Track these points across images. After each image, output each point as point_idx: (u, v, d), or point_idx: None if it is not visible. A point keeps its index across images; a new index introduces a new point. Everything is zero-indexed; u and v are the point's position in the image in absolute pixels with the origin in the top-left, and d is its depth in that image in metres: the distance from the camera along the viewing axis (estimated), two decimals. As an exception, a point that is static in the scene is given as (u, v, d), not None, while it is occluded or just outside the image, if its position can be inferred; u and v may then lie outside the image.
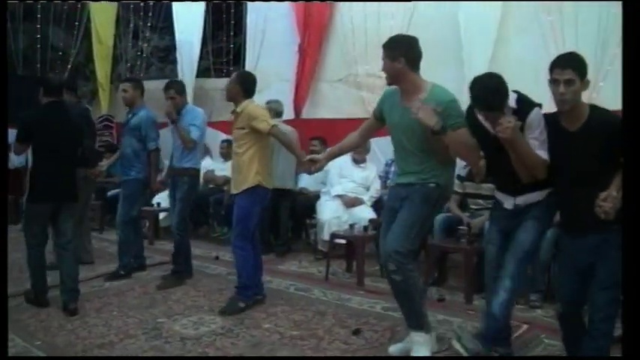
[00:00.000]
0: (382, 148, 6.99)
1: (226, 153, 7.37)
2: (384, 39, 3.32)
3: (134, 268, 5.25)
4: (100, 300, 4.51)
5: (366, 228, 5.24)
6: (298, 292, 4.73)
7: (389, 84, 3.31)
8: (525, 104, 2.85)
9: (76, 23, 10.19)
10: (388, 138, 3.39)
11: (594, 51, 5.19)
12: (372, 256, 5.46)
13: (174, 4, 9.19)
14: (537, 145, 2.79)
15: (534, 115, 2.79)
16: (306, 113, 8.13)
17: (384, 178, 6.47)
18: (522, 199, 2.97)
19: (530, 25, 5.96)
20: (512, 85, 2.92)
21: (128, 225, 5.19)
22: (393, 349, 3.43)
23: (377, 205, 6.12)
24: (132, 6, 10.04)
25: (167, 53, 10.32)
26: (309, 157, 3.76)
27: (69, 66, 10.20)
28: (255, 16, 8.53)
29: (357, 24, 7.46)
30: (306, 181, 6.42)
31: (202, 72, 9.33)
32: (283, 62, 8.16)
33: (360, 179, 6.12)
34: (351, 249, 5.44)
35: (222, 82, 9.30)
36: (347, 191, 5.99)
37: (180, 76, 9.09)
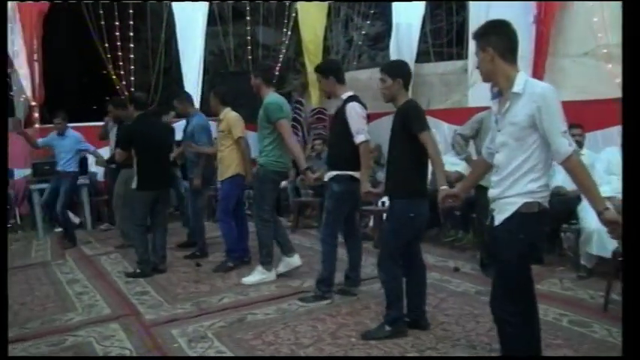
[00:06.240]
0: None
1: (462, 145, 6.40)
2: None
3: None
4: (332, 319, 3.85)
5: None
6: (573, 326, 3.62)
7: None
8: None
9: (285, 21, 10.13)
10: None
11: None
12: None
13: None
14: None
15: None
16: (545, 94, 6.90)
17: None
18: None
19: None
20: None
21: (197, 215, 6.01)
22: None
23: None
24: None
25: (378, 40, 9.71)
26: None
27: (279, 61, 10.10)
28: (479, -12, 7.45)
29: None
30: (562, 179, 5.22)
31: (418, 56, 8.48)
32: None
33: (636, 176, 4.72)
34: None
35: (442, 67, 8.43)
36: (619, 192, 4.64)
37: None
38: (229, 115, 5.37)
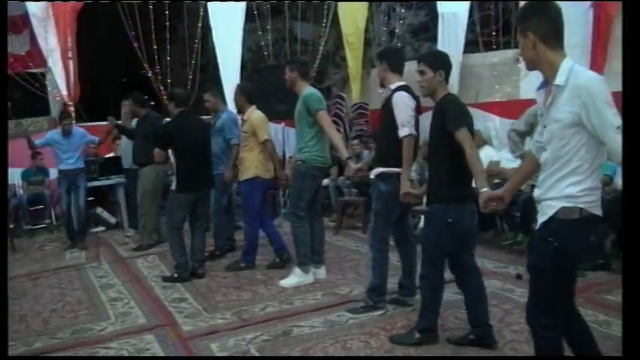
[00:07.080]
0: None
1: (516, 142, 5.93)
2: None
3: (226, 250, 5.82)
4: (387, 334, 3.47)
5: None
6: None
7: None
8: None
9: (325, 10, 9.77)
10: None
11: None
12: None
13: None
14: None
15: None
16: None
17: None
18: None
19: None
20: None
21: (220, 212, 5.74)
22: None
23: None
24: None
25: (420, 31, 9.27)
26: None
27: (318, 55, 9.76)
28: (530, -28, 6.97)
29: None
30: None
31: (466, 46, 8.03)
32: (571, 24, 6.44)
33: None
34: None
35: (492, 57, 7.96)
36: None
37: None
38: (253, 115, 5.22)
